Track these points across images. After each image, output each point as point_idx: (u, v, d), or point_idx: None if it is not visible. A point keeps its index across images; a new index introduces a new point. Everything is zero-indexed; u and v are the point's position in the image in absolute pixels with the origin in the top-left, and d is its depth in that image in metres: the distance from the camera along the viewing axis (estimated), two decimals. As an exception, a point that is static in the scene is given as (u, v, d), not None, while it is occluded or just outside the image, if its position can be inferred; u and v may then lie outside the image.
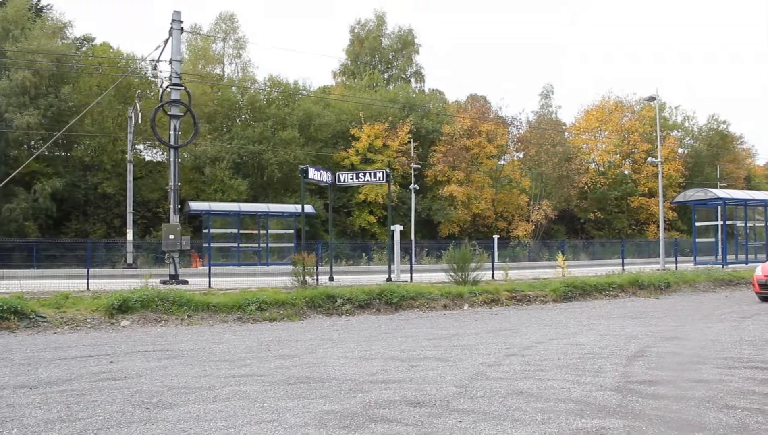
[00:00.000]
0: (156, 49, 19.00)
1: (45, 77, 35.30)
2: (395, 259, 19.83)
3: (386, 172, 19.57)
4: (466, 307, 15.87)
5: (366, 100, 47.66)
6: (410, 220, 43.97)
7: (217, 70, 47.45)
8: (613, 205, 49.78)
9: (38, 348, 9.82)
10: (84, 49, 41.87)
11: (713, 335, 10.33)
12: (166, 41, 17.78)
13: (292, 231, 32.10)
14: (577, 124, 52.26)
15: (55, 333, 11.65)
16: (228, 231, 31.59)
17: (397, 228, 19.96)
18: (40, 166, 35.81)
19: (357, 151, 43.90)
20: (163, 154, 45.94)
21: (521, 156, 51.48)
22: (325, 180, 19.34)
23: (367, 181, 20.09)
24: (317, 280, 17.38)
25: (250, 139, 41.37)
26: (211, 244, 29.72)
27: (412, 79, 64.42)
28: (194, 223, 36.36)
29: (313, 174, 18.77)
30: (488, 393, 6.35)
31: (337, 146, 45.03)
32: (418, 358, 8.58)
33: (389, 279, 18.90)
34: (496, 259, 35.66)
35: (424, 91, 63.35)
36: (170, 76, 17.45)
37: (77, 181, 36.15)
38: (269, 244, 31.19)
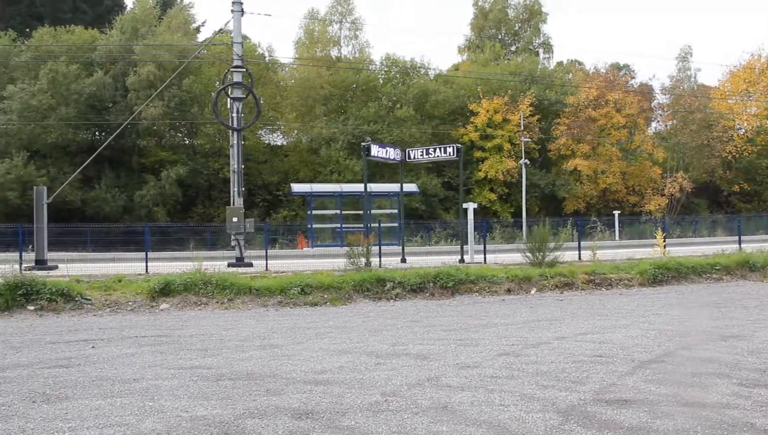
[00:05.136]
0: (217, 33, 19.04)
1: (168, 70, 37.45)
2: (469, 239, 18.58)
3: (457, 147, 18.26)
4: (533, 291, 14.41)
5: (484, 74, 45.76)
6: (532, 196, 42.04)
7: (334, 52, 47.84)
8: (764, 174, 43.88)
9: (52, 330, 10.09)
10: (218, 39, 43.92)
11: (787, 335, 8.28)
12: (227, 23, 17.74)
13: (395, 211, 31.52)
14: (721, 87, 46.45)
15: (94, 315, 11.99)
16: (329, 212, 31.67)
17: (471, 205, 18.66)
18: (167, 155, 38.29)
19: (476, 126, 42.35)
20: (283, 138, 47.48)
21: (655, 125, 46.94)
22: (392, 157, 18.44)
23: (438, 156, 18.94)
24: (380, 262, 16.67)
25: (365, 119, 41.32)
26: (314, 226, 29.98)
27: (540, 50, 61.13)
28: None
29: (377, 151, 17.90)
30: (404, 406, 5.35)
31: (455, 123, 43.71)
32: (398, 354, 7.65)
33: (462, 260, 17.73)
34: (617, 237, 33.03)
35: (561, 63, 59.77)
36: (232, 58, 17.46)
37: (200, 168, 38.17)
38: (371, 225, 30.87)
